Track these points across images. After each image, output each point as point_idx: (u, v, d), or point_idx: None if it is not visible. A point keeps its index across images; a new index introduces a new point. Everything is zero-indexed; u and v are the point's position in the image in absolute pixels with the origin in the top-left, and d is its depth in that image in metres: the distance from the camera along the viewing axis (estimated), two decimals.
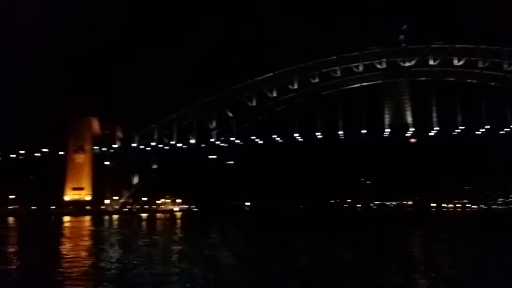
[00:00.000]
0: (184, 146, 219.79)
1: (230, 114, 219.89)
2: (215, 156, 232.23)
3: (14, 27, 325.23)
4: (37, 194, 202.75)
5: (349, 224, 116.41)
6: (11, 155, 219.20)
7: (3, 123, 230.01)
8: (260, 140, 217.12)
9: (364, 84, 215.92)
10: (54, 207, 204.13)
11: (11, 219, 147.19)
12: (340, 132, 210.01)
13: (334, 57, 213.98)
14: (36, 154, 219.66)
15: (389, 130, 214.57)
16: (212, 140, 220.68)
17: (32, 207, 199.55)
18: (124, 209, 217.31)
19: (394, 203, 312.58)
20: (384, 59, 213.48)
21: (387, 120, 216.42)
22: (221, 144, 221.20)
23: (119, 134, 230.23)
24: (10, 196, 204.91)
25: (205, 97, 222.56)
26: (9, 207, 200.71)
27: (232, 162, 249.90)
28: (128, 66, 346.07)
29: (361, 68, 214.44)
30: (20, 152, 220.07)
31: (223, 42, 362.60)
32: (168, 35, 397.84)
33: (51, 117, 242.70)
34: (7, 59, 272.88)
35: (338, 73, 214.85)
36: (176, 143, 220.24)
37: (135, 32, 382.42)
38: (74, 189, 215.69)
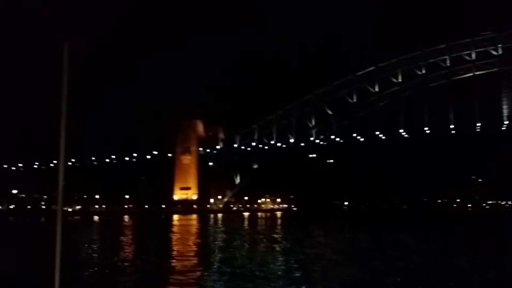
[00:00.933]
0: (283, 146, 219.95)
1: (330, 112, 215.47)
2: (314, 155, 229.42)
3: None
4: (149, 194, 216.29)
5: (465, 225, 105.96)
6: (125, 158, 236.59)
7: (118, 129, 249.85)
8: (361, 138, 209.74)
9: (477, 73, 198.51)
10: (164, 206, 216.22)
11: (126, 218, 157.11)
12: (451, 126, 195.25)
13: (443, 45, 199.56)
14: (147, 157, 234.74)
15: (507, 122, 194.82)
16: (311, 138, 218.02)
17: (145, 206, 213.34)
18: (230, 208, 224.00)
19: (510, 202, 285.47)
20: (500, 45, 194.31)
21: (505, 112, 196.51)
22: (320, 143, 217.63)
23: (222, 135, 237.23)
24: (125, 196, 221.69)
25: (304, 96, 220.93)
26: (124, 206, 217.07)
27: (331, 160, 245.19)
28: (228, 68, 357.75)
29: (473, 56, 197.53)
30: (133, 155, 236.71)
31: (325, 40, 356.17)
32: (269, 36, 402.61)
33: (160, 122, 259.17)
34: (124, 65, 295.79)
35: (448, 63, 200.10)
36: (276, 142, 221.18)
37: (233, 34, 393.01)
38: (182, 189, 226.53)
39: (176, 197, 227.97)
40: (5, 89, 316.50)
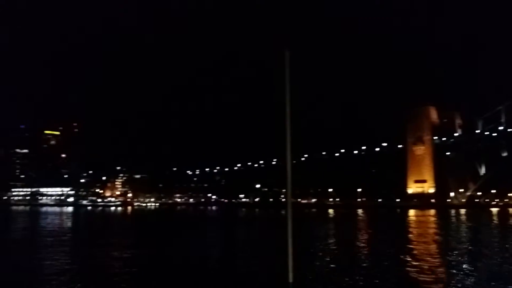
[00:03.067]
0: None
1: None
2: None
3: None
4: (381, 187, 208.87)
5: None
6: (354, 151, 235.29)
7: (345, 121, 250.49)
8: None
9: None
10: (398, 199, 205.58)
11: (360, 211, 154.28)
12: None
13: None
14: (376, 149, 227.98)
15: None
16: None
17: (378, 200, 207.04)
18: (475, 202, 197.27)
19: None
20: None
21: None
22: None
23: (459, 121, 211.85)
24: (357, 189, 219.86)
25: None
26: (357, 200, 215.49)
27: None
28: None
29: None
30: (362, 148, 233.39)
31: None
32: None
33: (386, 110, 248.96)
34: None
35: None
36: None
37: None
38: (417, 181, 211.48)
39: (410, 190, 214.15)
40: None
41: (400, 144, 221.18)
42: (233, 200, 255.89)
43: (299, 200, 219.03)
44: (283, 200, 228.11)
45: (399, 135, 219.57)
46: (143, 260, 33.99)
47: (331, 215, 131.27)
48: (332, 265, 31.84)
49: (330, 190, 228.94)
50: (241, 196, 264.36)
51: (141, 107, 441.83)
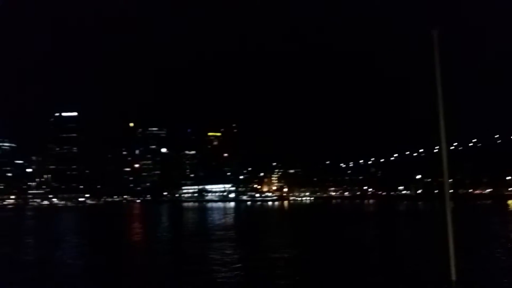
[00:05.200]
0: None
1: None
2: None
3: None
4: None
5: None
6: None
7: None
8: None
9: None
10: None
11: None
12: None
13: None
14: None
15: None
16: None
17: None
18: None
19: None
20: None
21: None
22: None
23: None
24: None
25: None
26: None
27: None
28: None
29: None
30: None
31: None
32: None
33: None
34: None
35: None
36: None
37: None
38: None
39: None
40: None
41: None
42: (392, 193, 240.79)
43: (469, 191, 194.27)
44: (451, 191, 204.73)
45: None
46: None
47: (511, 208, 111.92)
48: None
49: (509, 178, 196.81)
50: (400, 188, 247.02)
51: (292, 105, 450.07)
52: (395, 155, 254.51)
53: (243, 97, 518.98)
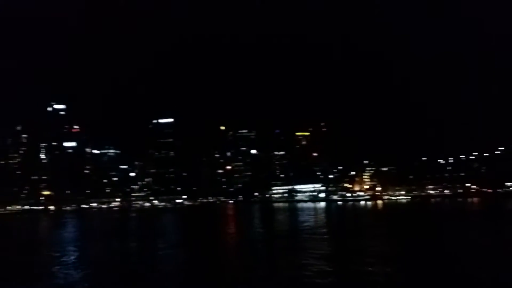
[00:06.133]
0: None
1: None
2: None
3: None
4: None
5: None
6: None
7: None
8: None
9: None
10: None
11: None
12: None
13: None
14: None
15: None
16: None
17: None
18: None
19: None
20: None
21: None
22: None
23: None
24: None
25: None
26: None
27: None
28: None
29: None
30: None
31: None
32: None
33: None
34: None
35: None
36: None
37: None
38: None
39: None
40: None
41: None
42: (498, 190, 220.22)
43: None
44: None
45: None
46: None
47: None
48: None
49: None
50: (508, 184, 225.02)
51: (382, 102, 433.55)
52: (500, 149, 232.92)
53: (331, 96, 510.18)
